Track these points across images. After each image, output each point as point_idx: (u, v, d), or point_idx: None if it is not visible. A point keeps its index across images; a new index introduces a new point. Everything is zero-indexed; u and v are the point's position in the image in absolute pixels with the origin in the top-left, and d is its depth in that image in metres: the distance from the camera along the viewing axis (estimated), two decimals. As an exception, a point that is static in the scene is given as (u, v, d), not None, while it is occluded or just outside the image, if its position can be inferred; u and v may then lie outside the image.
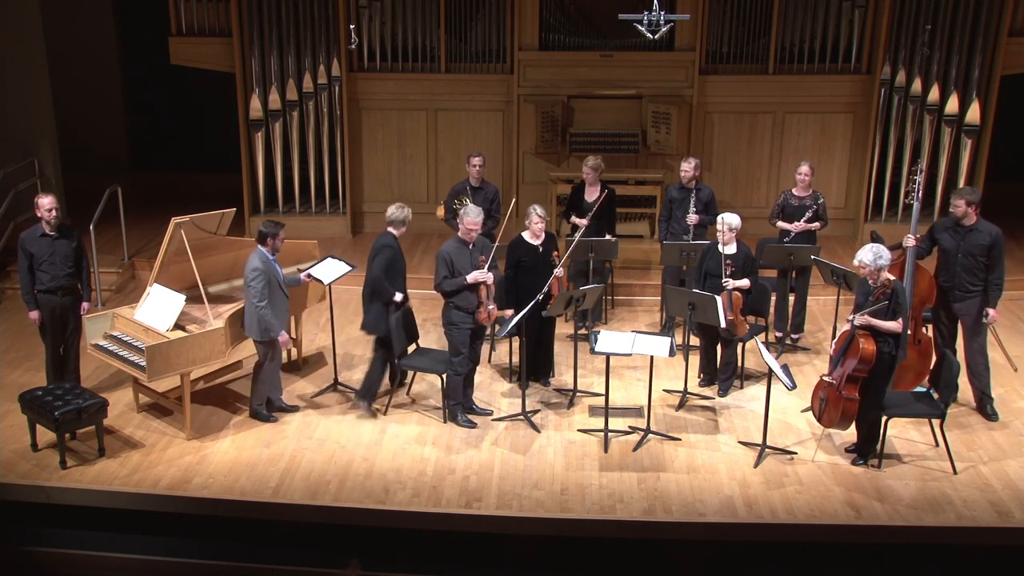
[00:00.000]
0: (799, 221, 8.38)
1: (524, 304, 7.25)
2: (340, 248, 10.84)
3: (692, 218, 8.58)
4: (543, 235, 7.65)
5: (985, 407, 7.45)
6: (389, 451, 6.98)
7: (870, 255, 6.36)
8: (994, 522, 6.14)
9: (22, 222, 9.65)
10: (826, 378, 6.69)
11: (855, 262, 6.49)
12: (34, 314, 7.35)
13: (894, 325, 6.36)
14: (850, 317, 6.56)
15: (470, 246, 7.17)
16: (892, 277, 6.46)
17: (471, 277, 7.08)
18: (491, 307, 7.23)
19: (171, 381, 7.36)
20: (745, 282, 7.49)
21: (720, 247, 7.50)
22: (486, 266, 7.15)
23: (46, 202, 7.20)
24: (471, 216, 7.12)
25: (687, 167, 8.66)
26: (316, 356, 8.58)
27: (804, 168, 8.45)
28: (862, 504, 6.31)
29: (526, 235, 7.63)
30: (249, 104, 10.96)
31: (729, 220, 7.45)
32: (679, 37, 10.71)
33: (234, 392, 7.90)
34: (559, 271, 7.59)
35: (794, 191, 8.53)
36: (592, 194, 8.77)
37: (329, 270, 7.66)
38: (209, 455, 6.92)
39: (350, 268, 7.78)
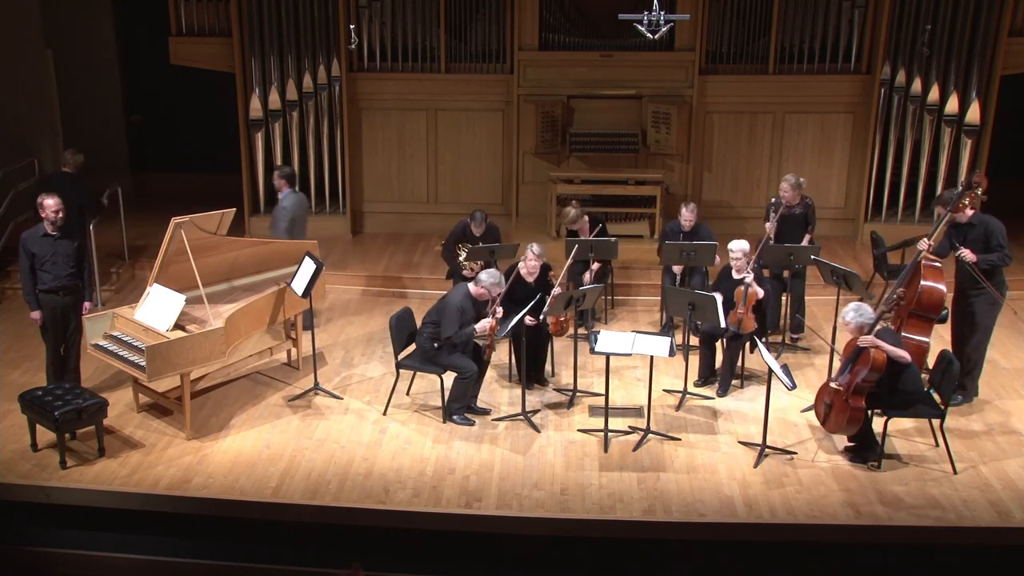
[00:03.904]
0: (798, 229, 8.48)
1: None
2: (340, 248, 10.87)
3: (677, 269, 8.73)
4: (537, 272, 7.73)
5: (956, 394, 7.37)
6: (389, 451, 6.99)
7: (852, 313, 6.51)
8: (994, 522, 6.14)
9: (22, 222, 9.65)
10: (833, 384, 6.68)
11: (840, 319, 6.65)
12: (36, 314, 7.34)
13: (904, 353, 6.41)
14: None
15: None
16: (880, 326, 6.49)
17: (479, 327, 7.13)
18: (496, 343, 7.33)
19: (171, 381, 7.36)
20: (760, 291, 7.53)
21: (735, 274, 7.64)
22: (495, 315, 7.13)
23: (51, 203, 7.16)
24: (493, 282, 7.10)
25: (688, 215, 8.59)
26: (317, 356, 8.56)
27: (784, 186, 8.48)
28: (862, 504, 6.31)
29: (522, 269, 7.66)
30: (249, 104, 10.96)
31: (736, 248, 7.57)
32: (679, 37, 10.71)
33: (234, 392, 7.90)
34: (557, 290, 7.59)
35: (784, 201, 8.52)
36: (584, 234, 8.79)
37: (301, 278, 7.58)
38: (209, 455, 6.92)
39: (316, 267, 7.53)
